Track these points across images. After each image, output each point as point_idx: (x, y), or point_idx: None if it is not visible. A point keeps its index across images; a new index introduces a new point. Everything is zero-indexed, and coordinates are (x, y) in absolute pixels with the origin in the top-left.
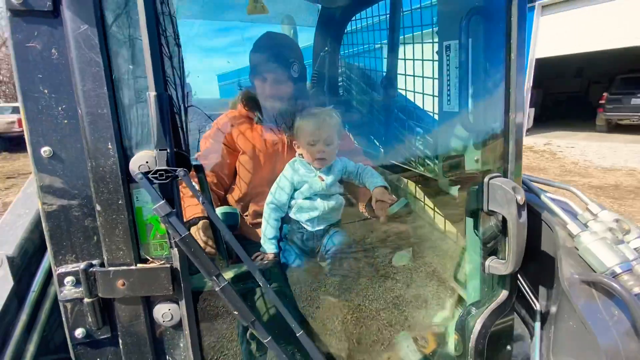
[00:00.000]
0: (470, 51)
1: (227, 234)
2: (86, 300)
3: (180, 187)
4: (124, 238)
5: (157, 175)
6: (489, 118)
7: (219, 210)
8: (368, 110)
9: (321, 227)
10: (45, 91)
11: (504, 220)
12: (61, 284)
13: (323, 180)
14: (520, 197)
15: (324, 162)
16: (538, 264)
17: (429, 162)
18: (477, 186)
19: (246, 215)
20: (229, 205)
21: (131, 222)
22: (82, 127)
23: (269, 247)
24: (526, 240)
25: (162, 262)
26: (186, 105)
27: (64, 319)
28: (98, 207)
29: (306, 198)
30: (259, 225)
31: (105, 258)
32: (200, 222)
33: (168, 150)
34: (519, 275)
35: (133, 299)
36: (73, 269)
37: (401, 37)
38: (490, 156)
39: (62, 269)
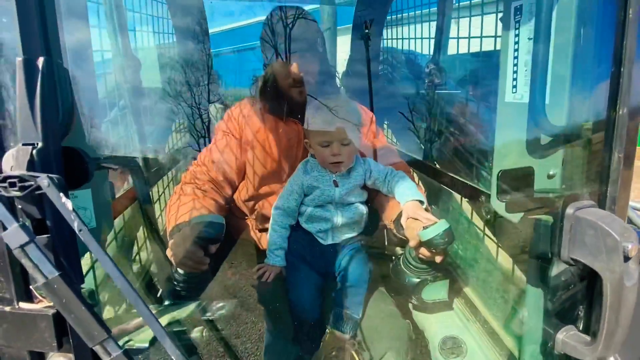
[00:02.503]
0: (555, 12)
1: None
2: None
3: (185, 178)
4: (1, 265)
5: (7, 184)
6: (579, 112)
7: (200, 219)
8: (410, 101)
9: (336, 242)
10: None
11: (596, 277)
12: None
13: (338, 186)
14: (632, 246)
15: (340, 165)
16: None
17: (484, 172)
18: (553, 217)
19: (254, 219)
20: (238, 205)
21: None
22: None
23: (273, 259)
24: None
25: (51, 304)
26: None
27: None
28: None
29: (318, 206)
30: (267, 230)
31: None
32: (179, 232)
33: (37, 146)
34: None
35: (17, 350)
36: None
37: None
38: (575, 172)
39: None
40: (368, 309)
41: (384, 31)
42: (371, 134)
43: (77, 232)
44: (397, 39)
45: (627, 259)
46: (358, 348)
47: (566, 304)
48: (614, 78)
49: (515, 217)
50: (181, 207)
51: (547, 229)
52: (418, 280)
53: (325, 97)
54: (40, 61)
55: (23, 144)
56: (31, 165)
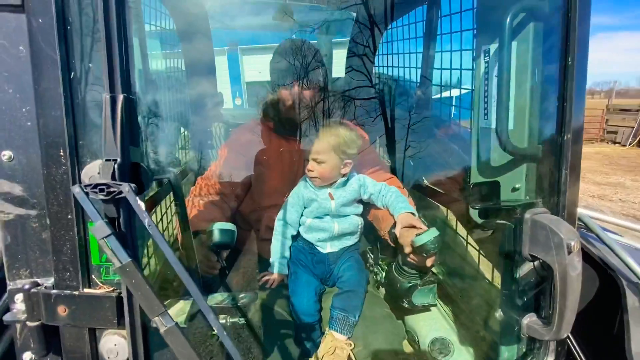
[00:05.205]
0: (514, 55)
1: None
2: (29, 324)
3: (194, 191)
4: (71, 257)
5: (97, 190)
6: (535, 136)
7: (214, 227)
8: (401, 124)
9: (334, 251)
10: (10, 91)
11: (550, 270)
12: (12, 301)
13: (333, 199)
14: (574, 243)
15: (315, 180)
16: (597, 327)
17: (464, 186)
18: (515, 223)
19: (258, 230)
20: (243, 217)
21: (82, 239)
22: (38, 130)
23: (276, 267)
24: (582, 294)
25: (112, 288)
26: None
27: (15, 339)
28: (48, 221)
29: (316, 217)
30: (270, 240)
31: (53, 279)
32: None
33: (117, 161)
34: (570, 336)
35: (78, 329)
36: (24, 287)
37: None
38: (534, 185)
39: (13, 285)
40: (364, 312)
41: (376, 58)
42: (366, 153)
43: (147, 227)
44: (389, 66)
45: (572, 253)
46: (354, 348)
47: (530, 294)
48: (560, 110)
49: (488, 224)
50: (192, 218)
51: (511, 232)
52: (409, 285)
53: (321, 120)
54: (121, 98)
55: (106, 160)
56: (113, 175)
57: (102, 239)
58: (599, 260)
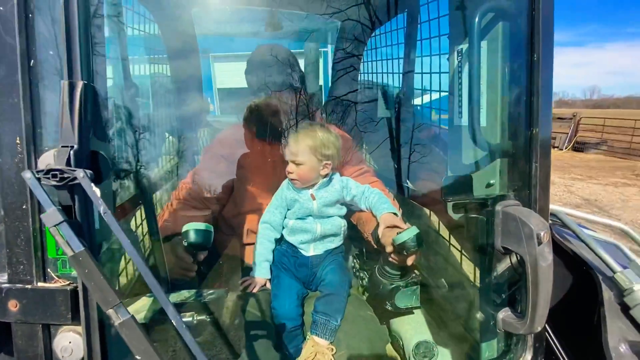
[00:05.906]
0: (485, 54)
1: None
2: None
3: (175, 195)
4: (25, 250)
5: (50, 175)
6: (507, 132)
7: (188, 227)
8: (385, 128)
9: (318, 253)
10: None
11: (523, 262)
12: None
13: (315, 199)
14: (544, 233)
15: (295, 182)
16: (575, 322)
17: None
18: (487, 216)
19: (241, 235)
20: (225, 221)
21: (37, 231)
22: None
23: (258, 271)
24: (559, 290)
25: (68, 282)
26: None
27: None
28: (1, 212)
29: (298, 218)
30: (252, 245)
31: (7, 273)
32: (169, 242)
33: (74, 147)
34: (549, 331)
35: (30, 325)
36: None
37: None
38: (505, 179)
39: None
40: (347, 316)
41: (361, 65)
42: (350, 156)
43: (102, 214)
44: (374, 72)
45: (542, 244)
46: (336, 352)
47: (505, 288)
48: (530, 105)
49: (462, 220)
50: (170, 220)
51: (483, 224)
52: (392, 286)
53: (299, 123)
54: (80, 84)
55: (62, 146)
56: (68, 162)
57: (54, 226)
58: (575, 255)
